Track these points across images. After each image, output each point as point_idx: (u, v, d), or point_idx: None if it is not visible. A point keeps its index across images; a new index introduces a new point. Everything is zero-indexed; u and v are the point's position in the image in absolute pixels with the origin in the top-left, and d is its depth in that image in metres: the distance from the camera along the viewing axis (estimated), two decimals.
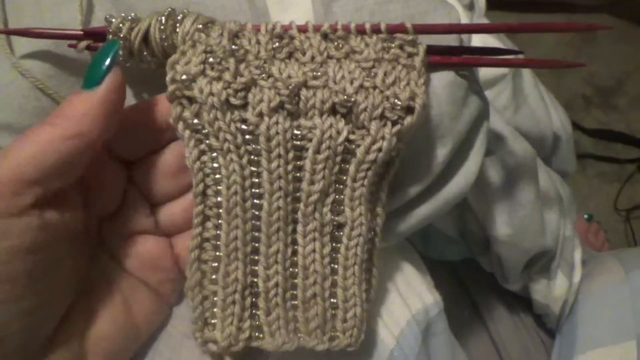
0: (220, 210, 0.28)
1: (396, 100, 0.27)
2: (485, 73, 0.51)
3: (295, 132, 0.28)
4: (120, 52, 0.27)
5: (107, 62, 0.25)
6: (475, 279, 0.59)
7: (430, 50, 0.29)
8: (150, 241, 0.30)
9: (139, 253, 0.29)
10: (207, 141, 0.28)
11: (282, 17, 0.30)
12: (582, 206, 1.32)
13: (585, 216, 1.18)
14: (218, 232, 0.29)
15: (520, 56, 0.32)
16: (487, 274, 0.56)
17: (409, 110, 0.28)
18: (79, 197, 0.27)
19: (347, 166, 0.29)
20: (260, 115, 0.27)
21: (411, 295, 0.37)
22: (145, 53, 0.28)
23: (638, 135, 1.41)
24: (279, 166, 0.28)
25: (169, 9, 0.27)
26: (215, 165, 0.28)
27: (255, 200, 0.28)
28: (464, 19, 0.52)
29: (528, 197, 0.46)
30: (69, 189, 0.26)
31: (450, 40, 0.31)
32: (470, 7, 0.60)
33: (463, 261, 0.58)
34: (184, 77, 0.26)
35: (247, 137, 0.28)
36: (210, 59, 0.26)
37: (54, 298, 0.25)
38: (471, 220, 0.49)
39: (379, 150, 0.28)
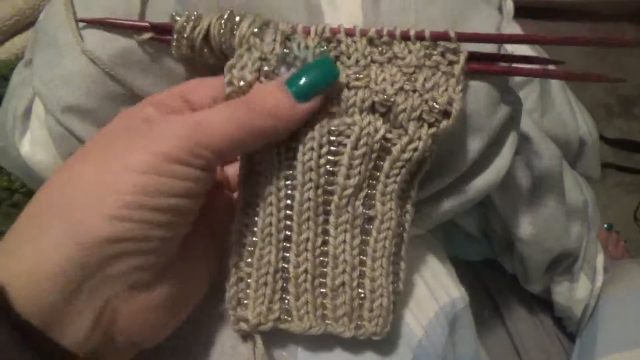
0: (258, 199, 0.30)
1: (434, 104, 0.29)
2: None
3: (332, 128, 0.29)
4: (184, 49, 0.30)
5: (322, 88, 0.28)
6: (496, 280, 0.60)
7: (471, 55, 0.30)
8: (222, 197, 0.33)
9: (212, 208, 0.32)
10: None
11: (333, 12, 0.32)
12: (602, 216, 1.29)
13: (605, 226, 1.17)
14: (256, 218, 0.30)
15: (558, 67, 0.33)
16: (509, 275, 0.56)
17: (446, 114, 0.29)
18: None
19: (382, 163, 0.30)
20: None
21: (438, 289, 0.38)
22: (205, 50, 0.30)
23: None
24: (311, 159, 0.29)
25: (229, 12, 0.29)
26: (257, 156, 0.30)
27: (289, 191, 0.30)
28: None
29: (553, 197, 0.46)
30: None
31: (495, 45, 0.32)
32: (499, 11, 0.61)
33: (484, 261, 0.58)
34: (242, 83, 0.28)
35: (291, 135, 0.29)
36: (265, 67, 0.28)
37: (182, 234, 0.28)
38: (495, 219, 0.49)
39: (415, 149, 0.30)
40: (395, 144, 0.30)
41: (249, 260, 0.31)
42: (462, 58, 0.29)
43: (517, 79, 0.52)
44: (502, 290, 0.59)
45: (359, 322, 0.31)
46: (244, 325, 0.31)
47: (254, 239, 0.30)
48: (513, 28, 0.55)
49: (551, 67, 0.41)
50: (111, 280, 0.24)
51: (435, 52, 0.30)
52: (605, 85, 1.49)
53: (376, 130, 0.29)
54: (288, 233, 0.30)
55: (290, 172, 0.30)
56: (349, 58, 0.29)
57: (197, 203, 0.27)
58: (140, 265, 0.25)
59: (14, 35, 0.62)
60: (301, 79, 0.28)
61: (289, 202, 0.30)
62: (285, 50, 0.29)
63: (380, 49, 0.30)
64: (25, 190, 0.53)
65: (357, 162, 0.29)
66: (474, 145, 0.33)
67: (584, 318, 0.55)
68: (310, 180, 0.29)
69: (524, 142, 0.45)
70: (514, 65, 0.32)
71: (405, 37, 0.30)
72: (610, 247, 1.11)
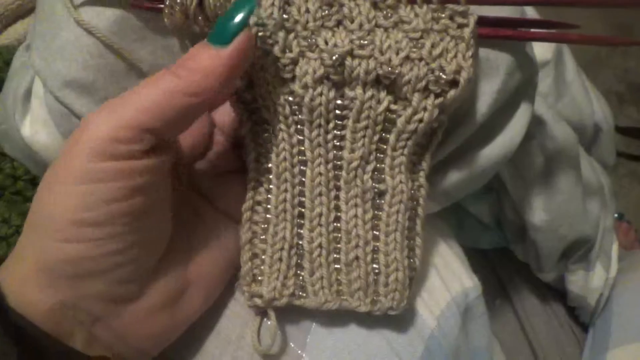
0: (271, 176, 0.30)
1: (441, 74, 0.28)
2: None
3: (338, 102, 0.29)
4: (178, 17, 0.28)
5: (239, 20, 0.25)
6: (507, 268, 0.58)
7: (483, 21, 0.29)
8: (240, 179, 0.31)
9: (230, 190, 0.31)
10: (259, 113, 0.29)
11: None
12: None
13: (616, 215, 1.15)
14: (269, 196, 0.30)
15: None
16: (520, 264, 0.55)
17: (454, 83, 0.28)
18: (175, 142, 0.29)
19: (388, 135, 0.30)
20: (305, 87, 0.28)
21: (451, 278, 0.37)
22: (200, 18, 0.28)
23: None
24: (319, 135, 0.29)
25: None
26: (266, 135, 0.30)
27: (301, 167, 0.30)
28: None
29: (567, 183, 0.45)
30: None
31: (511, 10, 0.31)
32: None
33: (496, 250, 0.57)
34: None
35: (294, 107, 0.29)
36: (261, 33, 0.27)
37: (156, 233, 0.26)
38: (508, 206, 0.48)
39: (420, 120, 0.29)
40: (400, 116, 0.29)
41: (263, 237, 0.31)
42: (472, 21, 0.28)
43: None
44: (515, 279, 0.58)
45: (374, 297, 0.31)
46: (258, 301, 0.30)
47: (268, 215, 0.30)
48: None
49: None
50: (87, 299, 0.24)
51: (443, 15, 0.28)
52: (617, 72, 1.46)
53: (379, 103, 0.29)
54: (302, 210, 0.30)
55: (302, 148, 0.29)
56: (352, 22, 0.28)
57: (157, 197, 0.25)
58: (115, 280, 0.24)
59: (16, 21, 0.61)
60: (217, 25, 0.25)
61: (302, 178, 0.30)
62: (284, 15, 0.28)
63: (385, 12, 0.28)
64: (29, 177, 0.53)
65: (359, 134, 0.29)
66: (482, 105, 0.32)
67: (598, 308, 0.54)
68: (320, 155, 0.29)
69: (538, 126, 0.44)
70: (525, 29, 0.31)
71: (411, 0, 0.28)
72: (621, 236, 1.09)
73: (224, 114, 0.31)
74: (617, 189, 1.36)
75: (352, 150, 0.29)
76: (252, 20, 0.27)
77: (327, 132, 0.29)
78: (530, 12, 0.49)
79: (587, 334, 0.56)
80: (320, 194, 0.30)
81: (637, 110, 1.45)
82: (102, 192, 0.23)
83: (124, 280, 0.25)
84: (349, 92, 0.28)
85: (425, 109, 0.28)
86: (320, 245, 0.30)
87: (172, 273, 0.27)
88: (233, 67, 0.25)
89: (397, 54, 0.28)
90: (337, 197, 0.30)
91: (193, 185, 0.31)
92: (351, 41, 0.28)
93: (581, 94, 0.53)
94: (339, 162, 0.30)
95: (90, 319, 0.24)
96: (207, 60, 0.24)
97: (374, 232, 0.30)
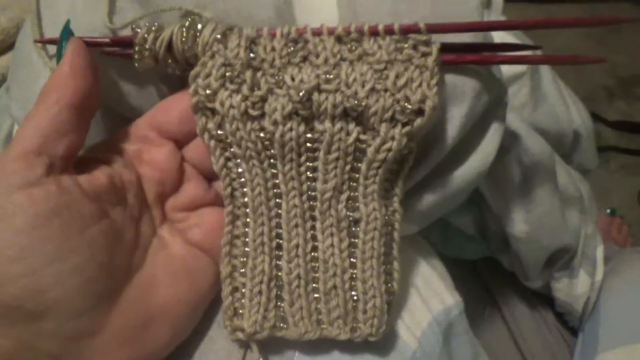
0: (247, 210, 0.31)
1: (406, 104, 0.28)
2: (503, 71, 0.51)
3: (309, 135, 0.29)
4: (147, 61, 0.29)
5: (60, 39, 0.29)
6: (495, 277, 0.59)
7: (447, 47, 0.30)
8: (213, 212, 0.32)
9: (203, 223, 0.31)
10: (231, 149, 0.30)
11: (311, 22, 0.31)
12: (605, 199, 1.29)
13: (608, 211, 1.16)
14: (246, 229, 0.31)
15: (538, 52, 0.32)
16: (507, 272, 0.55)
17: (420, 112, 0.29)
18: (119, 166, 0.30)
19: (359, 164, 0.30)
20: (275, 123, 0.29)
21: (432, 297, 0.37)
22: (170, 61, 0.29)
23: None
24: (291, 169, 0.30)
25: (190, 19, 0.28)
26: (240, 170, 0.31)
27: (276, 200, 0.31)
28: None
29: (545, 194, 0.46)
30: (97, 157, 0.29)
31: (475, 35, 0.31)
32: (487, 5, 0.60)
33: (483, 259, 0.58)
34: (207, 91, 0.28)
35: (266, 143, 0.30)
36: (228, 73, 0.28)
37: (97, 255, 0.26)
38: (490, 218, 0.49)
39: (389, 150, 0.29)
40: (370, 145, 0.29)
41: (243, 270, 0.31)
42: (435, 49, 0.28)
43: (507, 74, 0.51)
44: (503, 287, 0.59)
45: (354, 325, 0.31)
46: (240, 335, 0.31)
47: (246, 249, 0.31)
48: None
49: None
50: (42, 338, 0.24)
51: (406, 46, 0.29)
52: (605, 67, 1.46)
53: (348, 134, 0.29)
54: (279, 241, 0.31)
55: (277, 181, 0.30)
56: (317, 57, 0.29)
57: (77, 220, 0.26)
58: (63, 316, 0.25)
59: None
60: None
61: (278, 210, 0.31)
62: (251, 54, 0.28)
63: (349, 46, 0.29)
64: None
65: (331, 166, 0.30)
66: (452, 129, 0.32)
67: (585, 312, 0.55)
68: (294, 188, 0.30)
69: (513, 140, 0.45)
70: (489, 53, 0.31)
71: (374, 33, 0.29)
72: (613, 232, 1.10)
73: (195, 149, 0.31)
74: (610, 182, 1.37)
75: (325, 181, 0.30)
76: (220, 61, 0.28)
77: (299, 165, 0.30)
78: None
79: (577, 339, 0.57)
80: (296, 226, 0.31)
81: (626, 104, 1.46)
82: (15, 224, 0.24)
83: (72, 316, 0.25)
84: (318, 126, 0.29)
85: (393, 138, 0.29)
86: (298, 276, 0.31)
87: (132, 306, 0.27)
88: (74, 71, 0.27)
89: (363, 86, 0.28)
90: (313, 228, 0.31)
91: (165, 219, 0.32)
92: (317, 76, 0.28)
93: (558, 102, 0.54)
94: (313, 193, 0.30)
95: (50, 359, 0.25)
96: (54, 77, 0.27)
97: (351, 259, 0.31)
